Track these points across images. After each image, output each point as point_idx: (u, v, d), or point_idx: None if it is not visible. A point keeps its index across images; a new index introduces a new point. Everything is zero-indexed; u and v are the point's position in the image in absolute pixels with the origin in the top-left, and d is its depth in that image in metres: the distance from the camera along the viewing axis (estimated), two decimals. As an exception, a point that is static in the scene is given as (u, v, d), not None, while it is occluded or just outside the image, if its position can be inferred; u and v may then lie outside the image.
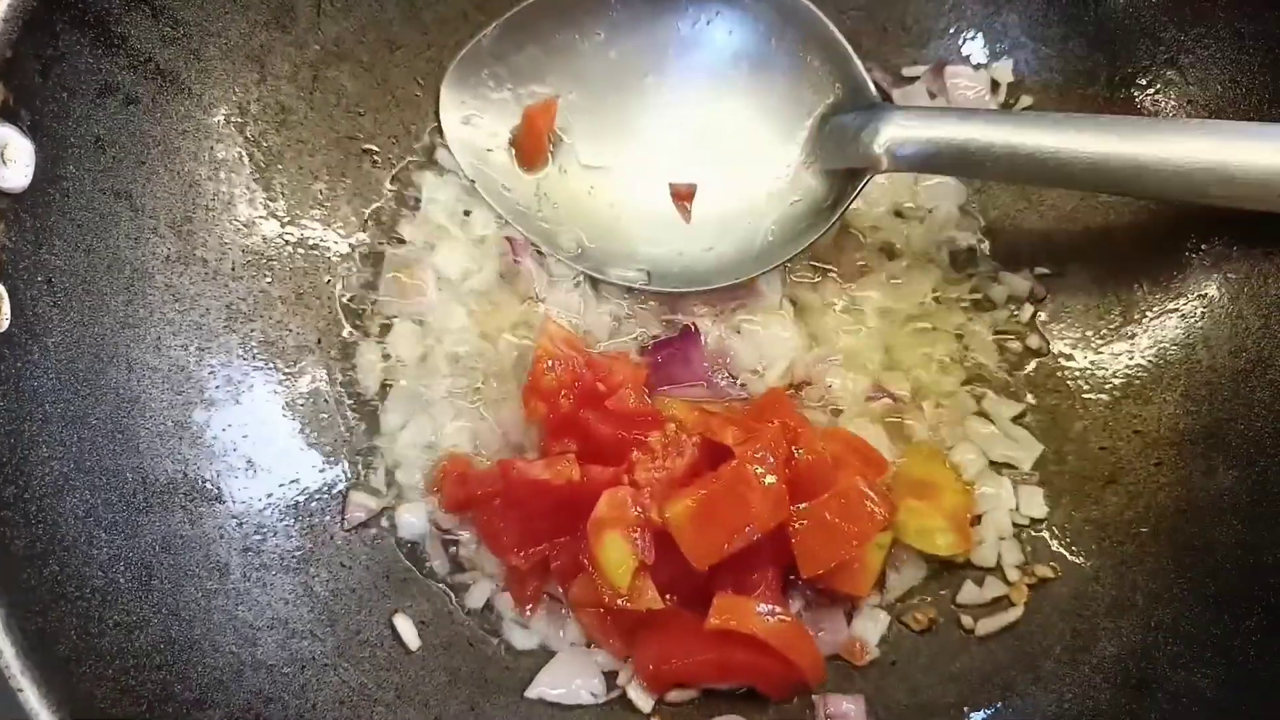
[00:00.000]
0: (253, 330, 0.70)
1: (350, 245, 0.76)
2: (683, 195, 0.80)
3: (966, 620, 0.71)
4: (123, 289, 0.62)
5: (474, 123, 0.81)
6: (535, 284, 0.78)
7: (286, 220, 0.74)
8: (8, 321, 0.53)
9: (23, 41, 0.54)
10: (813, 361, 0.77)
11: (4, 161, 0.54)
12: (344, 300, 0.75)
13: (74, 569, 0.53)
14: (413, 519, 0.72)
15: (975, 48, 0.82)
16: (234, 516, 0.65)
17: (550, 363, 0.71)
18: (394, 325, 0.76)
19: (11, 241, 0.54)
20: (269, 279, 0.72)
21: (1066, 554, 0.72)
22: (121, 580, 0.55)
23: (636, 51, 0.80)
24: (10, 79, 0.53)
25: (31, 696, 0.45)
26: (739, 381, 0.76)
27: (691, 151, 0.80)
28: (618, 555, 0.65)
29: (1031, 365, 0.78)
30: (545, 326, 0.74)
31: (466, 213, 0.79)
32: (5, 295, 0.53)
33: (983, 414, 0.77)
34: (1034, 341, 0.79)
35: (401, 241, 0.78)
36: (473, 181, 0.79)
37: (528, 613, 0.70)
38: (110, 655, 0.52)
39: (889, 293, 0.79)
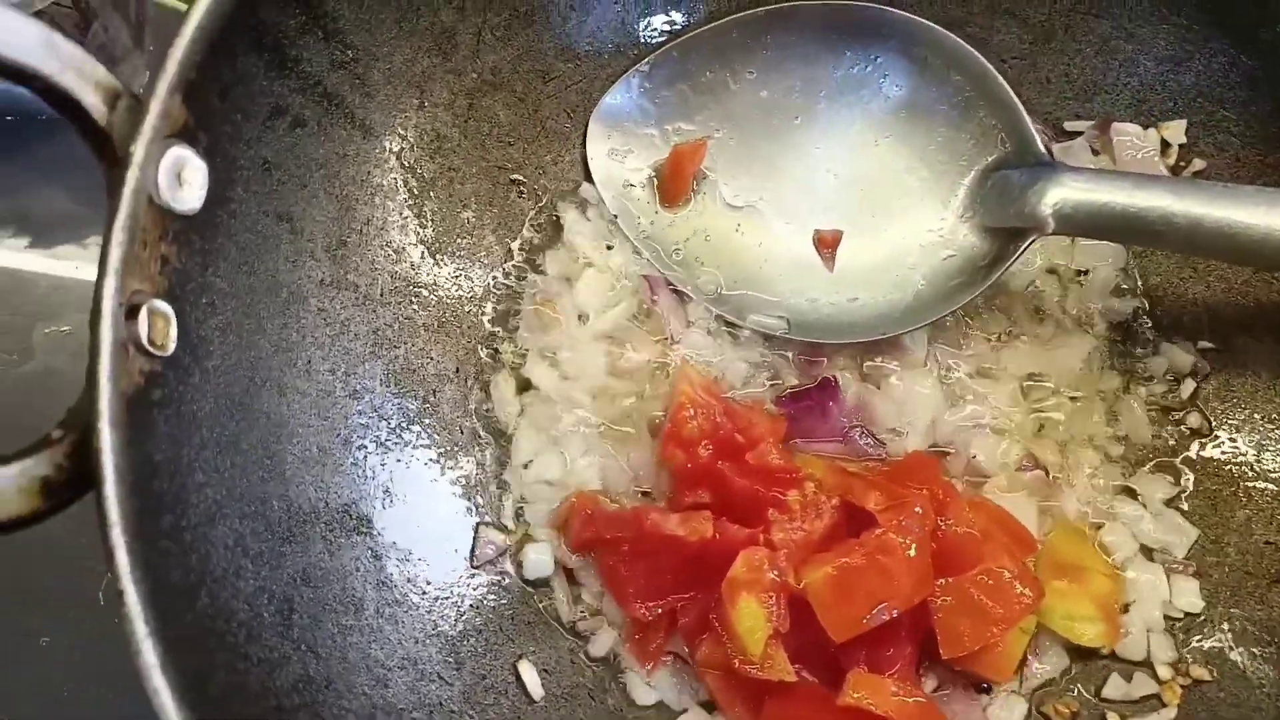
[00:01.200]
0: (396, 356, 0.69)
1: (493, 275, 0.74)
2: (828, 242, 0.76)
3: (1113, 717, 0.66)
4: (279, 312, 0.61)
5: (619, 157, 0.78)
6: (671, 325, 0.75)
7: (435, 248, 0.72)
8: (174, 344, 0.51)
9: (206, 64, 0.52)
10: (956, 425, 0.72)
11: (180, 183, 0.52)
12: (484, 330, 0.73)
13: (223, 601, 0.51)
14: (539, 558, 0.69)
15: (1145, 105, 0.77)
16: (370, 548, 0.63)
17: (692, 410, 0.68)
18: (530, 357, 0.73)
19: (181, 264, 0.53)
20: (415, 305, 0.70)
21: (1226, 656, 0.66)
22: (265, 614, 0.54)
23: (788, 93, 0.77)
24: (192, 101, 0.52)
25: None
26: (878, 440, 0.72)
27: (840, 198, 0.77)
28: (752, 621, 0.62)
29: (1191, 446, 0.72)
30: (685, 371, 0.71)
31: (608, 247, 0.76)
32: (174, 318, 0.51)
33: (1134, 494, 0.72)
34: (1194, 420, 0.73)
35: (543, 273, 0.75)
36: (615, 216, 0.77)
37: (649, 669, 0.67)
38: (257, 694, 0.50)
39: (1040, 357, 0.74)
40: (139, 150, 0.49)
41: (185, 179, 0.52)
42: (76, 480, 0.47)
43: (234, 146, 0.56)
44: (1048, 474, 0.71)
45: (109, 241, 0.48)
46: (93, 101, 0.50)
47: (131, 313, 0.48)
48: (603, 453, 0.72)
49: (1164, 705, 0.66)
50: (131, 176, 0.49)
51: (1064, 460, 0.72)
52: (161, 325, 0.50)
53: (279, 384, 0.60)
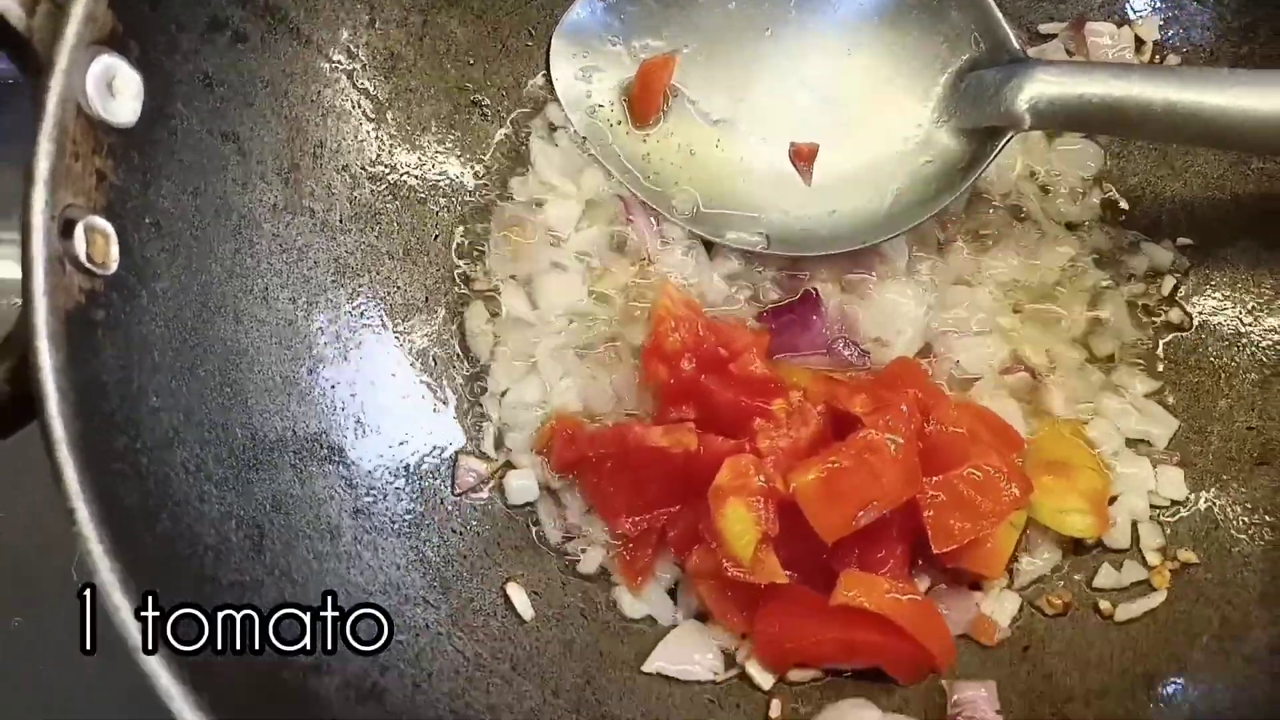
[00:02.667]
0: (360, 286, 0.64)
1: (458, 201, 0.70)
2: (804, 155, 0.72)
3: (1105, 605, 0.63)
4: (230, 236, 0.57)
5: (585, 76, 0.73)
6: (647, 245, 0.71)
7: (393, 173, 0.67)
8: (116, 264, 0.47)
9: (132, -32, 0.48)
10: (940, 331, 0.69)
11: (112, 93, 0.48)
12: (453, 258, 0.69)
13: (186, 525, 0.47)
14: (523, 483, 0.66)
15: (1118, 3, 0.73)
16: (343, 477, 0.59)
17: (674, 324, 0.64)
18: (503, 284, 0.69)
19: (120, 180, 0.48)
20: (376, 233, 0.66)
21: (1211, 538, 0.64)
22: (234, 538, 0.50)
23: (757, 3, 0.72)
24: (120, 7, 0.47)
25: (153, 662, 0.40)
26: (862, 350, 0.69)
27: (814, 109, 0.72)
28: (740, 525, 0.59)
29: (1171, 340, 0.70)
30: (665, 288, 0.67)
31: (578, 170, 0.72)
32: (114, 235, 0.47)
33: (1117, 389, 0.69)
34: (1175, 315, 0.70)
35: (511, 199, 0.71)
36: (584, 138, 0.72)
37: (638, 582, 0.64)
38: (226, 616, 0.47)
39: (1020, 261, 0.71)
40: (63, 56, 0.45)
41: (117, 89, 0.48)
42: (17, 405, 0.43)
43: (170, 59, 0.52)
44: (1033, 375, 0.68)
45: (36, 152, 0.44)
46: (7, 4, 0.45)
47: (66, 229, 0.44)
48: (583, 376, 0.68)
49: (1154, 589, 0.63)
50: (56, 84, 0.45)
51: (1048, 360, 0.69)
52: (101, 243, 0.46)
53: (234, 310, 0.56)
